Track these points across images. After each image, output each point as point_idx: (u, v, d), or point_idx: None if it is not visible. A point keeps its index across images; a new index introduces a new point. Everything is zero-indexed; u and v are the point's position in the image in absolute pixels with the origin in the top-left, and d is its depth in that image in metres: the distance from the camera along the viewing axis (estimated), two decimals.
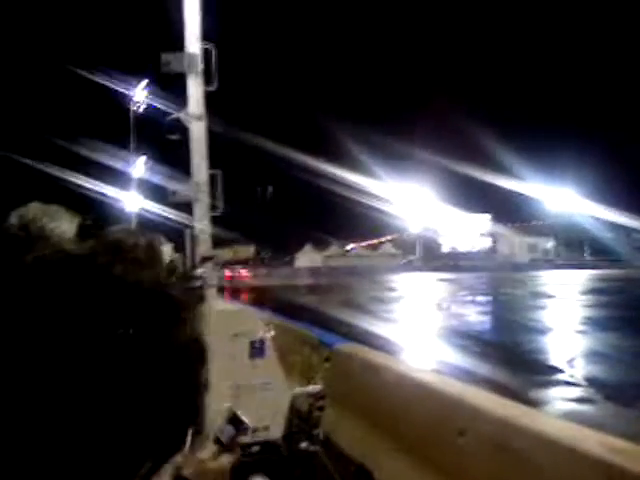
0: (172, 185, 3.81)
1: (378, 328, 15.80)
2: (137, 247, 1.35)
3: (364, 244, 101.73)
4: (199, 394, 1.08)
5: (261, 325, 4.23)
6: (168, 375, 1.03)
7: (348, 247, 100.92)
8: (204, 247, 3.84)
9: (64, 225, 1.50)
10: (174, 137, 3.76)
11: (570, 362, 11.75)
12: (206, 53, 3.90)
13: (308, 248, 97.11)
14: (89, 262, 1.08)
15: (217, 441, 1.32)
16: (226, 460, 1.29)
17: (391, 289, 41.26)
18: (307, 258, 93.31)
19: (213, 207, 3.89)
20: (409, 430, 4.32)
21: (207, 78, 3.92)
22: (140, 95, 33.47)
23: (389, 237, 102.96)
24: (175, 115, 3.79)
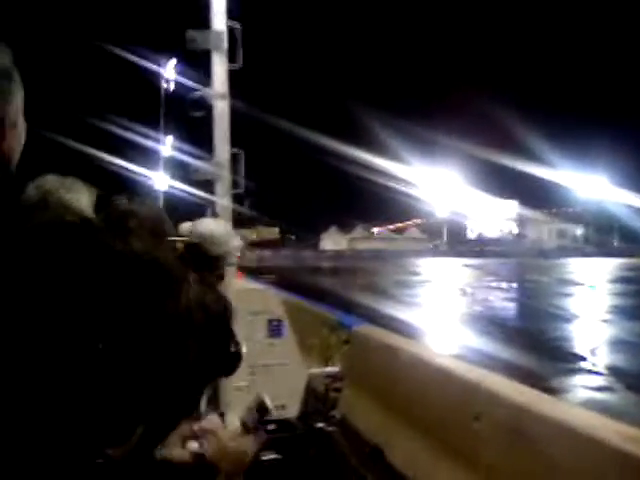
0: (195, 163, 3.82)
1: (400, 312, 15.78)
2: (145, 219, 1.35)
3: (390, 227, 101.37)
4: (188, 367, 1.09)
5: (279, 305, 4.24)
6: (154, 346, 1.04)
7: (373, 230, 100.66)
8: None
9: (81, 197, 1.50)
10: (198, 114, 3.76)
11: (593, 350, 11.61)
12: (231, 31, 3.87)
13: (333, 230, 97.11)
14: (85, 231, 1.10)
15: (243, 425, 1.30)
16: (248, 442, 1.28)
17: (415, 273, 41.14)
18: (332, 240, 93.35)
19: (235, 185, 3.88)
20: (424, 413, 4.32)
21: (232, 57, 3.90)
22: (170, 73, 33.65)
23: (415, 221, 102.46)
24: (199, 92, 3.78)
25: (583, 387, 8.84)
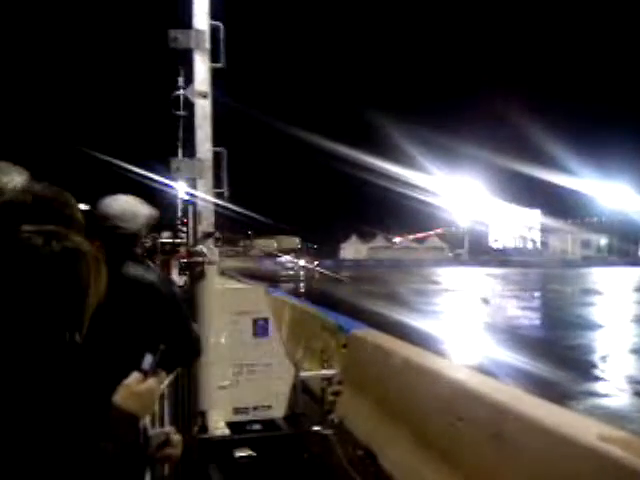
0: (176, 162, 3.83)
1: (416, 321, 15.68)
2: (45, 200, 1.61)
3: (410, 237, 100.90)
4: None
5: (265, 304, 4.22)
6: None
7: (394, 239, 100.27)
8: (206, 224, 3.85)
9: (16, 179, 1.69)
10: (180, 113, 3.79)
11: (605, 358, 11.44)
12: (214, 31, 3.89)
13: (353, 239, 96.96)
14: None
15: (141, 371, 1.52)
16: (150, 383, 1.50)
17: (435, 282, 40.87)
18: (352, 249, 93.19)
19: (217, 185, 3.90)
20: (413, 415, 4.26)
21: (215, 56, 3.92)
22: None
23: (436, 230, 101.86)
24: (181, 91, 3.81)
25: (592, 393, 8.72)
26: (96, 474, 1.22)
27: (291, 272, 55.83)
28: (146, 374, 1.51)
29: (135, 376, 1.50)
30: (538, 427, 2.96)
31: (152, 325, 2.28)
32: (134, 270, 2.41)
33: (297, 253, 79.47)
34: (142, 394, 1.47)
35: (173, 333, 2.37)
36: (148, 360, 1.53)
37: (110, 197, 2.52)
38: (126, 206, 2.52)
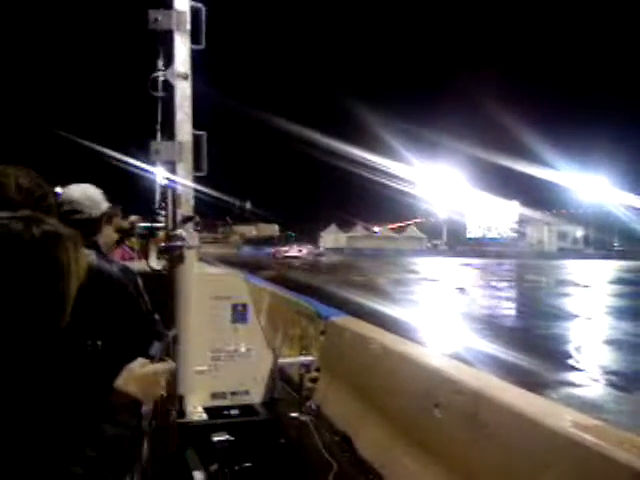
0: (155, 145, 3.78)
1: (392, 309, 15.77)
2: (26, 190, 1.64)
3: (390, 226, 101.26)
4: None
5: (245, 290, 4.21)
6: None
7: (373, 229, 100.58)
8: (186, 207, 3.82)
9: None
10: (158, 94, 3.74)
11: (579, 348, 11.61)
12: (195, 12, 3.84)
13: (333, 228, 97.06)
14: None
15: (147, 356, 1.53)
16: (156, 367, 1.51)
17: (413, 272, 41.11)
18: (332, 238, 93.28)
19: (197, 168, 3.86)
20: (391, 402, 4.30)
21: (195, 37, 3.88)
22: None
23: (415, 220, 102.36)
24: (160, 72, 3.76)
25: (566, 383, 8.84)
26: (95, 456, 1.22)
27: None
28: (152, 359, 1.52)
29: (140, 361, 1.50)
30: (514, 414, 3.00)
31: (106, 314, 2.23)
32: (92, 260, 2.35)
33: (276, 241, 79.42)
34: (144, 378, 1.47)
35: (128, 322, 2.31)
36: (155, 346, 1.58)
37: (73, 184, 2.49)
38: (87, 192, 2.48)
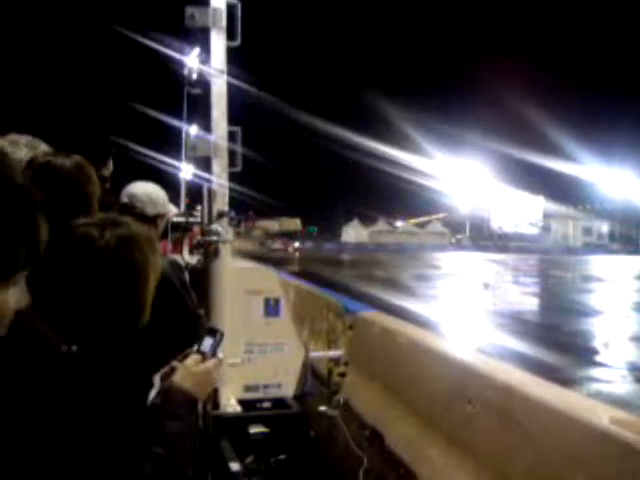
0: (192, 141, 3.84)
1: (416, 305, 15.73)
2: (69, 179, 1.65)
3: (412, 221, 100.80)
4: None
5: (277, 285, 4.26)
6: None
7: (396, 224, 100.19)
8: (221, 202, 3.88)
9: (22, 152, 1.70)
10: (195, 91, 3.80)
11: (607, 344, 11.50)
12: (231, 8, 3.88)
13: (355, 223, 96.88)
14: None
15: (199, 352, 1.56)
16: (208, 364, 1.53)
17: (436, 267, 40.93)
18: (354, 233, 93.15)
19: (232, 164, 3.91)
20: (420, 397, 4.30)
21: (231, 34, 3.92)
22: (193, 61, 33.69)
23: (438, 215, 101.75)
24: (197, 69, 3.82)
25: (593, 379, 8.78)
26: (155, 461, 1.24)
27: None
28: (205, 356, 1.55)
29: (194, 358, 1.53)
30: (549, 409, 2.99)
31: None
32: None
33: (299, 235, 79.53)
34: (199, 375, 1.50)
35: (175, 318, 2.37)
36: (208, 342, 1.57)
37: (140, 181, 2.59)
38: (147, 190, 2.58)
